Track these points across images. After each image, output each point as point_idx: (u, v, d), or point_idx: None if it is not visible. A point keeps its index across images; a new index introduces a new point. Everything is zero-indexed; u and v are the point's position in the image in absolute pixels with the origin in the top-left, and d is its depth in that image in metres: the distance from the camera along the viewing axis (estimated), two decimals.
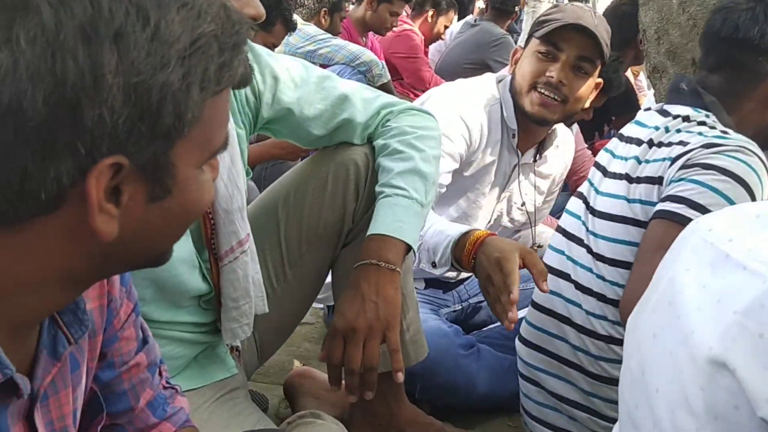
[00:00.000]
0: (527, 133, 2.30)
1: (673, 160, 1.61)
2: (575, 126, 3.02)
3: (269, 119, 1.62)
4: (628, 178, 1.71)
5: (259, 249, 1.62)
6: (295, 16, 4.33)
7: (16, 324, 0.79)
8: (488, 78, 2.38)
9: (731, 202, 1.50)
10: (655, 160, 1.67)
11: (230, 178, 1.47)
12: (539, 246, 2.56)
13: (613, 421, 1.73)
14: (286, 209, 1.69)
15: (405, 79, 5.10)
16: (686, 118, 1.69)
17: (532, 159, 2.38)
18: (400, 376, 1.54)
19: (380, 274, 1.50)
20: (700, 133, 1.62)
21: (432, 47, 5.65)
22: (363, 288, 1.49)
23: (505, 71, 2.42)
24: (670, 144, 1.65)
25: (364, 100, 1.67)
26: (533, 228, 2.52)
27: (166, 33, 0.70)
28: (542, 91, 2.17)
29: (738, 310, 0.77)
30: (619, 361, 1.68)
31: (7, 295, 0.75)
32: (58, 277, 0.76)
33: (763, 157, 1.58)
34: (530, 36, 2.25)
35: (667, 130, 1.69)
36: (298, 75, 1.62)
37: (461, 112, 2.22)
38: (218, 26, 0.74)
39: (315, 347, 2.49)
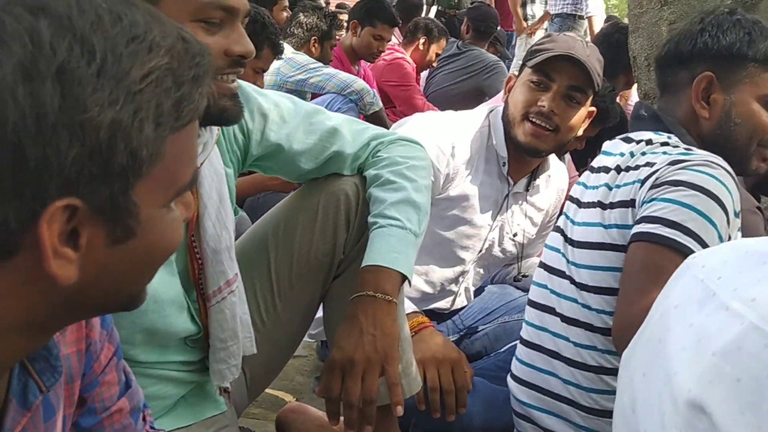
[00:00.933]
0: (518, 162, 2.29)
1: (643, 182, 1.62)
2: (567, 156, 3.01)
3: (258, 156, 1.61)
4: (602, 205, 1.72)
5: (249, 282, 1.60)
6: (286, 45, 4.35)
7: None
8: (479, 108, 2.39)
9: (703, 216, 1.52)
10: (625, 184, 1.68)
11: (218, 218, 1.45)
12: (524, 276, 2.55)
13: None
14: (276, 241, 1.67)
15: (397, 107, 5.10)
16: (649, 141, 1.71)
17: (524, 188, 2.37)
18: (400, 410, 1.52)
19: (377, 306, 1.49)
20: (664, 152, 1.64)
21: (423, 75, 5.67)
22: (360, 320, 1.48)
23: (500, 98, 2.42)
24: (637, 167, 1.67)
25: (354, 132, 1.67)
26: (519, 261, 2.51)
27: (114, 68, 0.67)
28: (534, 120, 2.17)
29: (716, 351, 0.75)
30: (611, 392, 1.67)
31: None
32: (21, 323, 0.73)
33: (729, 169, 1.59)
34: (523, 64, 2.26)
35: (632, 155, 1.71)
36: (287, 111, 1.62)
37: (435, 137, 2.21)
38: (174, 59, 0.71)
39: (307, 380, 2.46)
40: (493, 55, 5.82)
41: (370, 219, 1.59)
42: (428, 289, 2.37)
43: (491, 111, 2.34)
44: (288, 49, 4.32)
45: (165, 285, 1.41)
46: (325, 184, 1.66)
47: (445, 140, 2.22)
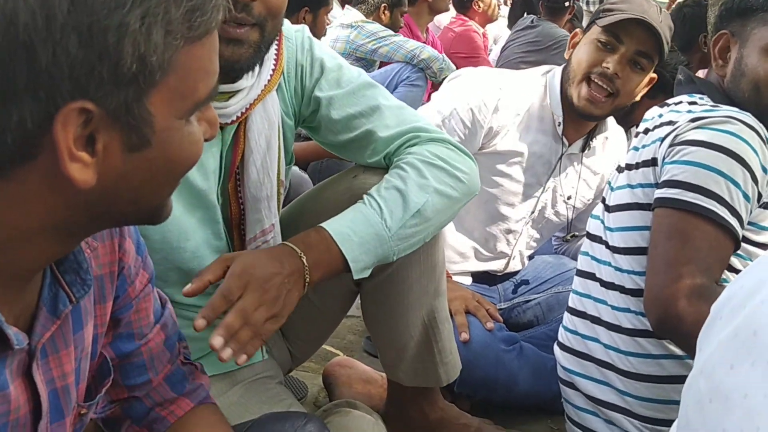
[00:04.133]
0: (574, 122, 2.25)
1: (662, 139, 1.62)
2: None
3: (306, 116, 1.57)
4: (628, 167, 1.74)
5: None
6: (356, 12, 4.37)
7: (10, 275, 0.79)
8: (535, 69, 2.36)
9: (725, 176, 1.50)
10: (648, 144, 1.68)
11: (263, 165, 1.45)
12: (573, 236, 2.53)
13: (649, 421, 1.72)
14: (307, 227, 1.54)
15: None
16: (678, 103, 1.71)
17: (580, 150, 2.34)
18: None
19: (297, 272, 1.31)
20: (688, 111, 1.63)
21: (498, 47, 5.57)
22: (285, 263, 1.31)
23: None
24: (660, 125, 1.67)
25: (399, 119, 1.53)
26: (569, 223, 2.47)
27: None
28: (596, 80, 2.13)
29: None
30: (647, 356, 1.70)
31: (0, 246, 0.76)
32: (47, 227, 0.76)
33: (754, 124, 1.55)
34: (592, 22, 2.21)
35: (660, 116, 1.71)
36: (346, 77, 1.55)
37: (481, 89, 2.19)
38: None
39: (358, 339, 2.50)
40: (565, 31, 5.70)
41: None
42: (477, 248, 2.37)
43: (549, 71, 2.30)
44: (358, 17, 4.34)
45: (206, 228, 1.43)
46: (352, 182, 1.56)
47: (490, 94, 2.19)
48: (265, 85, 1.42)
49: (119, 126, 0.72)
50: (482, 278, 2.42)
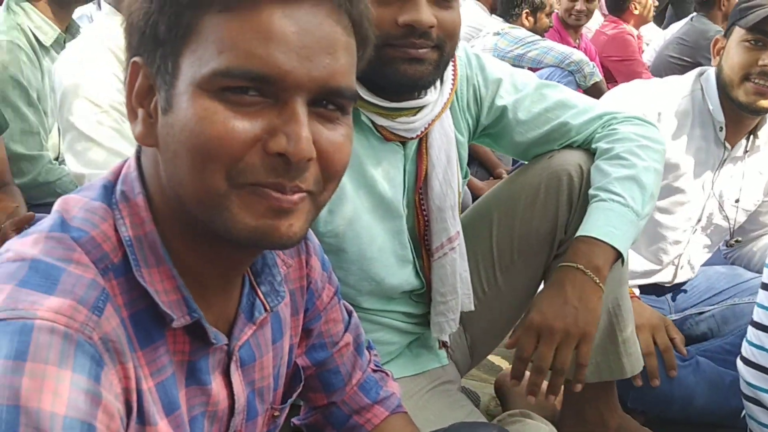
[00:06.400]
0: (735, 124, 2.17)
1: None
2: None
3: (487, 125, 1.64)
4: None
5: (471, 252, 1.64)
6: (500, 21, 4.36)
7: (207, 278, 0.88)
8: (688, 74, 2.28)
9: None
10: None
11: (445, 178, 1.51)
12: (737, 240, 2.42)
13: None
14: (499, 215, 1.69)
15: (619, 82, 4.94)
16: None
17: (743, 151, 2.24)
18: (579, 387, 1.51)
19: (585, 281, 1.46)
20: None
21: (653, 46, 5.40)
22: (566, 290, 1.46)
23: None
24: None
25: (585, 106, 1.64)
26: (731, 225, 2.35)
27: None
28: (757, 81, 2.05)
29: None
30: None
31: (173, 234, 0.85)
32: (161, 193, 0.84)
33: None
34: (732, 24, 2.12)
35: None
36: (520, 80, 1.64)
37: (640, 105, 2.11)
38: None
39: None
40: (719, 27, 5.45)
41: (592, 191, 1.56)
42: (644, 259, 2.31)
43: (701, 74, 2.22)
44: (504, 24, 4.33)
45: (393, 239, 1.50)
46: (549, 162, 1.64)
47: (650, 108, 2.13)
48: (444, 103, 1.49)
49: (159, 84, 0.79)
50: (650, 289, 2.36)
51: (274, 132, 0.77)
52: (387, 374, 1.28)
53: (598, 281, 1.46)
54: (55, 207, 0.86)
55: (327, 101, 0.80)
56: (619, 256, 1.50)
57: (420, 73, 1.33)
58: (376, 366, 1.27)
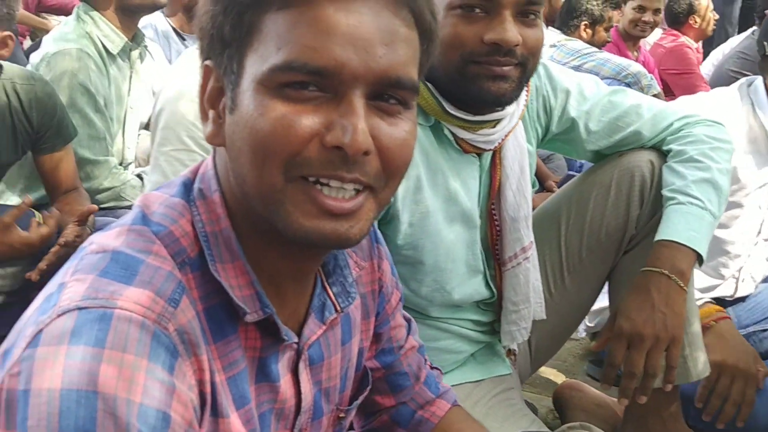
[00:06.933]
0: None
1: None
2: None
3: (556, 133, 1.65)
4: None
5: (539, 253, 1.64)
6: (556, 33, 4.33)
7: (282, 277, 0.89)
8: (735, 85, 2.23)
9: None
10: None
11: (518, 188, 1.53)
12: None
13: None
14: (568, 214, 1.70)
15: (677, 95, 4.87)
16: None
17: None
18: (669, 387, 1.54)
19: (671, 286, 1.48)
20: None
21: (716, 55, 5.31)
22: (653, 296, 1.48)
23: None
24: None
25: (656, 113, 1.65)
26: None
27: None
28: None
29: None
30: None
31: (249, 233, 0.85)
32: (231, 190, 0.86)
33: None
34: None
35: None
36: (588, 88, 1.64)
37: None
38: None
39: (579, 362, 2.46)
40: None
41: (667, 193, 1.56)
42: (707, 276, 2.26)
43: (749, 84, 2.17)
44: (560, 36, 4.30)
45: (466, 249, 1.51)
46: (620, 159, 1.66)
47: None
48: (519, 114, 1.49)
49: (227, 84, 0.81)
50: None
51: (332, 126, 0.77)
52: (440, 371, 1.30)
53: (682, 285, 1.49)
54: (137, 202, 0.88)
55: (388, 95, 0.80)
56: (699, 258, 1.52)
57: (503, 90, 1.34)
58: (431, 366, 1.29)
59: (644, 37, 4.73)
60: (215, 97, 0.83)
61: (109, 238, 0.82)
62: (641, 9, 4.54)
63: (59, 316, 0.73)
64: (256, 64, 0.78)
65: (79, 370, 0.69)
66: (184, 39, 3.67)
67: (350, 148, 0.76)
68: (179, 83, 1.80)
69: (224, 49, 0.80)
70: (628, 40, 4.66)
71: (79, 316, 0.72)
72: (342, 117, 0.76)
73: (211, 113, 0.84)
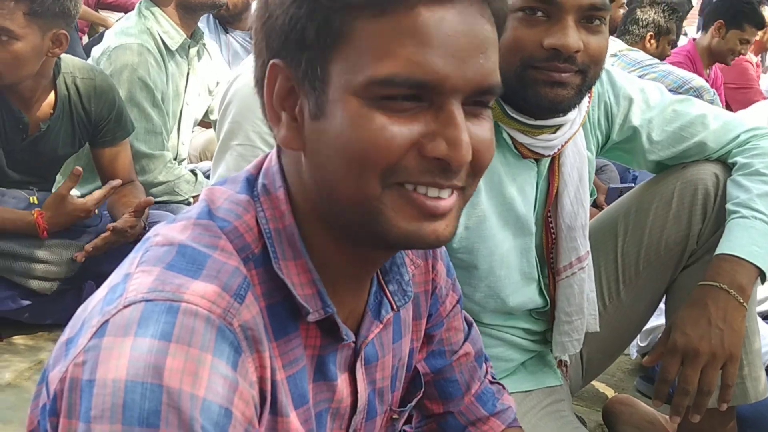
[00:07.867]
0: None
1: None
2: None
3: (618, 141, 1.61)
4: None
5: (595, 264, 1.60)
6: (619, 42, 4.26)
7: (343, 277, 0.87)
8: None
9: None
10: None
11: (576, 196, 1.49)
12: None
13: None
14: (627, 226, 1.65)
15: (734, 110, 4.76)
16: None
17: None
18: (724, 406, 1.47)
19: (729, 301, 1.42)
20: None
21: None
22: (710, 310, 1.42)
23: None
24: None
25: (723, 123, 1.60)
26: None
27: None
28: None
29: None
30: None
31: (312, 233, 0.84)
32: (302, 194, 0.84)
33: None
34: None
35: None
36: (652, 96, 1.59)
37: None
38: None
39: (629, 378, 2.41)
40: None
41: (731, 206, 1.51)
42: (762, 287, 2.20)
43: None
44: (622, 46, 4.23)
45: (521, 256, 1.48)
46: (683, 171, 1.60)
47: None
48: (580, 122, 1.46)
49: (306, 88, 0.79)
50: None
51: (432, 136, 0.76)
52: (503, 387, 1.26)
53: (741, 301, 1.43)
54: (202, 196, 0.87)
55: (476, 100, 0.79)
56: (762, 274, 1.47)
57: (561, 97, 1.32)
58: (493, 378, 1.25)
59: (728, 64, 4.62)
60: (285, 98, 0.81)
61: (174, 230, 0.81)
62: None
63: (126, 306, 0.73)
64: (349, 73, 0.75)
65: (144, 363, 0.68)
66: None
67: (455, 161, 0.76)
68: (250, 77, 1.79)
69: (302, 52, 0.78)
70: (709, 59, 4.55)
71: (145, 307, 0.72)
72: (444, 128, 0.76)
73: (283, 115, 0.82)
